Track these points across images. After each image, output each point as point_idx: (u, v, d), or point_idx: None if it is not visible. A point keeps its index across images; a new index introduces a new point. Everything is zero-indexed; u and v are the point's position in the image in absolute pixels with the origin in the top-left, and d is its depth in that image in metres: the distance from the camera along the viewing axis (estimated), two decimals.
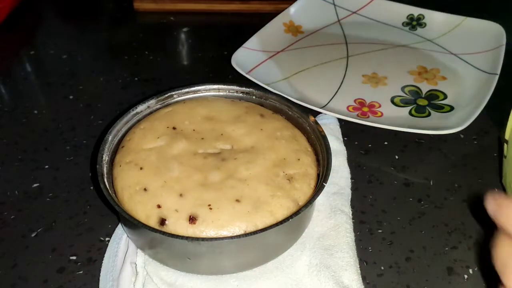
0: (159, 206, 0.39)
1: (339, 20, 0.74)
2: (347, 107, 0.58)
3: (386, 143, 0.55)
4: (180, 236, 0.37)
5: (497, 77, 0.59)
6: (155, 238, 0.38)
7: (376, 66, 0.65)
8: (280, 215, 0.39)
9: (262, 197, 0.40)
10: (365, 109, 0.58)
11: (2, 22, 0.74)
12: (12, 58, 0.70)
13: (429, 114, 0.57)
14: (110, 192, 0.40)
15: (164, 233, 0.37)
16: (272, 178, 0.41)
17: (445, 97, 0.60)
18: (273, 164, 0.42)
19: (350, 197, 0.48)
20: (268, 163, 0.42)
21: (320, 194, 0.40)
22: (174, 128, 0.46)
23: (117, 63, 0.69)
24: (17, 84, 0.64)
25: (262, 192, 0.40)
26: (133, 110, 0.48)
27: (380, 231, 0.46)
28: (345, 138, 0.54)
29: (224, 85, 0.51)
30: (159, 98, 0.49)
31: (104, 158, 0.43)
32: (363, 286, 0.40)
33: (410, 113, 0.58)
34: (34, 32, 0.76)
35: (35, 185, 0.50)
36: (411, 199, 0.49)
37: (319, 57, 0.67)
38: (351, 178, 0.50)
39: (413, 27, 0.73)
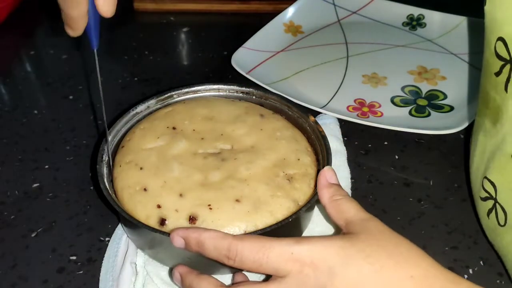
0: (159, 206, 0.39)
1: (339, 20, 0.74)
2: (347, 107, 0.58)
3: (386, 143, 0.55)
4: None
5: None
6: (155, 238, 0.38)
7: (376, 66, 0.65)
8: (280, 215, 0.39)
9: (262, 197, 0.40)
10: (365, 109, 0.58)
11: (2, 22, 0.74)
12: (12, 58, 0.70)
13: (429, 114, 0.57)
14: (110, 192, 0.40)
15: (164, 233, 0.37)
16: (272, 178, 0.41)
17: (445, 97, 0.60)
18: (273, 164, 0.42)
19: None
20: (268, 163, 0.42)
21: None
22: (174, 128, 0.46)
23: (117, 63, 0.69)
24: (17, 84, 0.64)
25: (262, 192, 0.40)
26: (133, 110, 0.48)
27: None
28: (345, 138, 0.54)
29: (224, 85, 0.51)
30: (159, 98, 0.49)
31: (104, 158, 0.43)
32: None
33: (410, 113, 0.58)
34: (34, 32, 0.76)
35: (35, 185, 0.50)
36: (411, 199, 0.49)
37: (319, 57, 0.67)
38: (351, 178, 0.50)
39: (413, 27, 0.73)
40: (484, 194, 0.41)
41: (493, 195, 0.39)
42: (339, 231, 0.35)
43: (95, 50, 0.36)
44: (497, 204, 0.39)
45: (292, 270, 0.31)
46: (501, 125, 0.37)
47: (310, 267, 0.31)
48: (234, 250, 0.32)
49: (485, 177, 0.40)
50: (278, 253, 0.32)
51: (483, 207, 0.42)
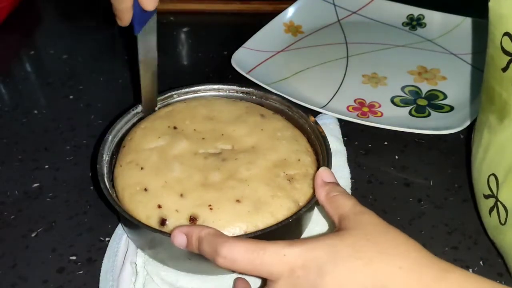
0: (159, 206, 0.39)
1: (339, 20, 0.74)
2: (347, 107, 0.58)
3: (386, 143, 0.55)
4: None
5: None
6: (156, 238, 0.38)
7: (376, 66, 0.65)
8: (281, 215, 0.39)
9: (263, 197, 0.39)
10: (365, 109, 0.58)
11: (2, 22, 0.74)
12: (12, 58, 0.70)
13: (429, 114, 0.58)
14: (110, 192, 0.40)
15: (164, 233, 0.37)
16: (272, 178, 0.41)
17: (445, 97, 0.60)
18: (274, 164, 0.42)
19: None
20: (268, 163, 0.42)
21: None
22: (175, 127, 0.45)
23: (117, 63, 0.69)
24: (17, 84, 0.64)
25: (262, 193, 0.40)
26: (133, 110, 0.48)
27: None
28: (345, 138, 0.54)
29: (224, 85, 0.51)
30: (159, 98, 0.49)
31: (104, 158, 0.43)
32: None
33: (410, 113, 0.58)
34: (34, 32, 0.76)
35: (35, 185, 0.50)
36: (411, 199, 0.49)
37: (319, 57, 0.67)
38: (351, 178, 0.50)
39: (413, 27, 0.73)
40: (488, 192, 0.40)
41: (495, 193, 0.39)
42: (333, 229, 0.35)
43: (137, 36, 0.42)
44: (498, 203, 0.39)
45: (284, 272, 0.31)
46: (509, 121, 0.37)
47: (301, 269, 0.31)
48: (226, 247, 0.32)
49: (493, 174, 0.40)
50: (272, 255, 0.32)
51: (485, 205, 0.41)
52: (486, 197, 0.41)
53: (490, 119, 0.40)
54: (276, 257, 0.31)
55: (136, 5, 0.40)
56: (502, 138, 0.38)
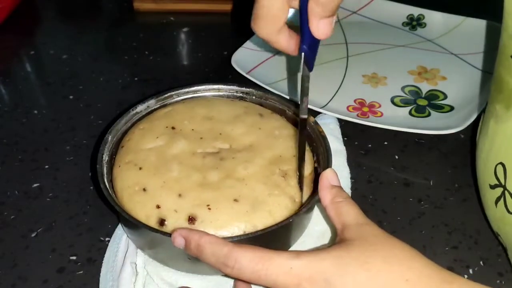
0: (158, 207, 0.39)
1: (339, 20, 0.74)
2: (347, 107, 0.58)
3: (386, 143, 0.55)
4: None
5: None
6: (155, 238, 0.38)
7: (376, 66, 0.65)
8: (279, 215, 0.39)
9: (260, 196, 0.39)
10: (365, 109, 0.58)
11: (2, 22, 0.74)
12: (12, 58, 0.70)
13: (429, 114, 0.57)
14: (110, 192, 0.40)
15: (164, 233, 0.37)
16: (269, 176, 0.41)
17: (445, 97, 0.60)
18: (270, 162, 0.42)
19: None
20: (265, 161, 0.42)
21: None
22: (173, 128, 0.46)
23: (117, 63, 0.69)
24: (17, 84, 0.64)
25: (259, 192, 0.40)
26: (133, 110, 0.48)
27: None
28: (345, 138, 0.54)
29: (224, 85, 0.51)
30: (159, 98, 0.49)
31: (104, 158, 0.43)
32: None
33: (410, 113, 0.58)
34: (34, 32, 0.76)
35: (35, 185, 0.50)
36: (411, 199, 0.49)
37: (319, 57, 0.66)
38: (351, 178, 0.50)
39: (413, 27, 0.73)
40: (494, 182, 0.40)
41: (503, 182, 0.39)
42: (334, 231, 0.35)
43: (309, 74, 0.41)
44: (506, 191, 0.39)
45: (290, 285, 0.31)
46: None
47: (307, 282, 0.31)
48: (233, 258, 0.32)
49: (501, 163, 0.40)
50: (278, 266, 0.31)
51: (491, 196, 0.41)
52: (493, 187, 0.41)
53: (497, 109, 0.40)
54: (283, 269, 0.31)
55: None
56: (509, 126, 0.38)
